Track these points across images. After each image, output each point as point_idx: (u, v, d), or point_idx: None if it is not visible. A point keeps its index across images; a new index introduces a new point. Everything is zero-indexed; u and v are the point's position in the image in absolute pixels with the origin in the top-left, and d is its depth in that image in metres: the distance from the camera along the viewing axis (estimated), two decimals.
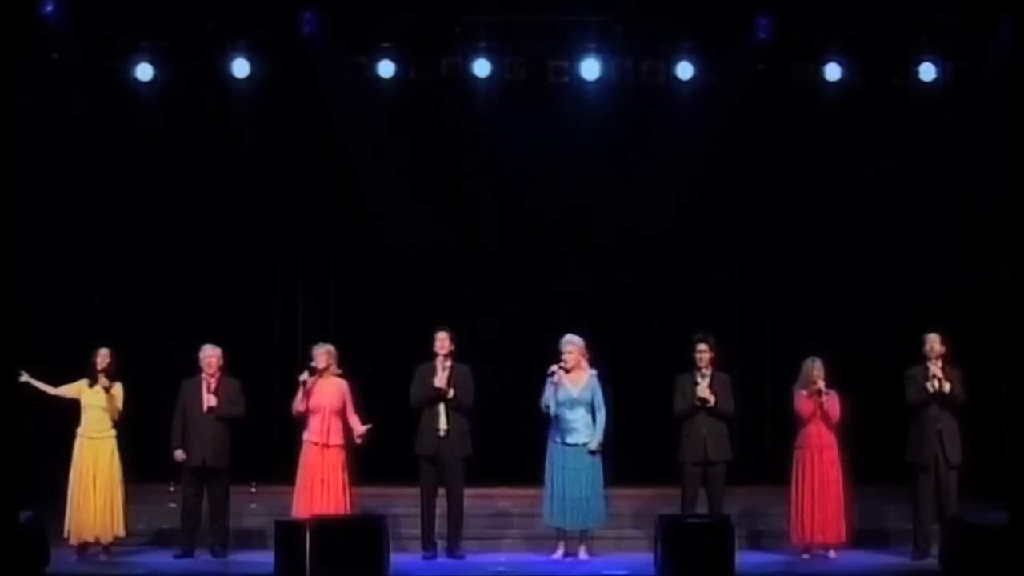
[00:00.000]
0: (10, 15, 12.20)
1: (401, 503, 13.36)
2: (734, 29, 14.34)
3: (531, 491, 13.34)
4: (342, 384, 12.98)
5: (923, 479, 12.81)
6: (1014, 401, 12.90)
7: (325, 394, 12.87)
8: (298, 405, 12.86)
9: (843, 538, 12.91)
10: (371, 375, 13.77)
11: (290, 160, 15.12)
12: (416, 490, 13.08)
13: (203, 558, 12.93)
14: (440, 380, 12.89)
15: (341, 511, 12.64)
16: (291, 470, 12.93)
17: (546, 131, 14.90)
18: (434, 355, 12.98)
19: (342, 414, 12.90)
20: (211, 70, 14.42)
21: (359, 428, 12.88)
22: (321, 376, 12.89)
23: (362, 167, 15.08)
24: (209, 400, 12.94)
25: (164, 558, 12.98)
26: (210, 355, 13.03)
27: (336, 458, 12.82)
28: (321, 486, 12.73)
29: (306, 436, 12.88)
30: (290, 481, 12.92)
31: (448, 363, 12.95)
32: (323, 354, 12.95)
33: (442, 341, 12.97)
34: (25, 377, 12.67)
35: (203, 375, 13.03)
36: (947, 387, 12.74)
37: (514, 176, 15.19)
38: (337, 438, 12.85)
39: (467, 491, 13.11)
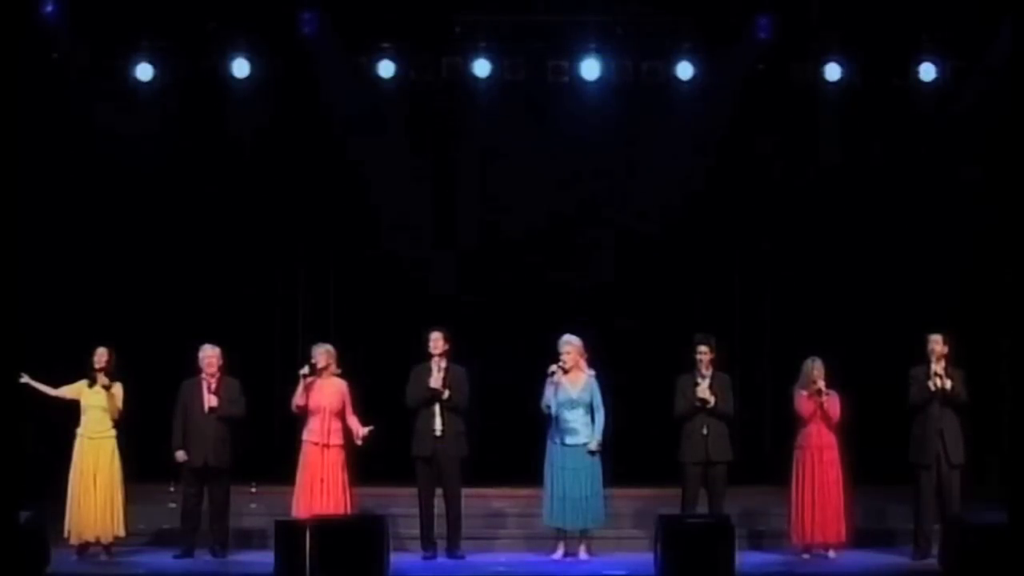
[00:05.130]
0: (10, 15, 12.23)
1: (400, 503, 13.35)
2: (734, 29, 14.35)
3: (531, 491, 13.34)
4: (342, 384, 12.97)
5: (925, 478, 12.80)
6: (1014, 401, 12.92)
7: (325, 394, 12.86)
8: (297, 400, 12.84)
9: (843, 538, 12.90)
10: (371, 375, 13.76)
11: (290, 160, 15.12)
12: (413, 490, 13.06)
13: (203, 558, 12.92)
14: (436, 381, 12.88)
15: (341, 511, 12.63)
16: (291, 470, 12.92)
17: (546, 131, 14.91)
18: (429, 355, 12.98)
19: (342, 414, 12.89)
20: (211, 70, 14.41)
21: (360, 430, 12.87)
22: (320, 376, 12.89)
23: (362, 167, 15.07)
24: (210, 400, 12.93)
25: (164, 558, 12.97)
26: (210, 355, 13.01)
27: (336, 458, 12.81)
28: (321, 486, 12.72)
29: (306, 436, 12.87)
30: (290, 481, 12.91)
31: (443, 363, 12.95)
32: (323, 354, 12.93)
33: (436, 341, 12.95)
34: (25, 379, 12.66)
35: (203, 375, 13.02)
36: (948, 385, 12.74)
37: (514, 176, 15.18)
38: (337, 438, 12.84)
39: (467, 491, 13.10)
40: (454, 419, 12.93)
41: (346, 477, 12.83)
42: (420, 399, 12.92)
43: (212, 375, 12.99)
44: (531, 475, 13.16)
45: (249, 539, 13.44)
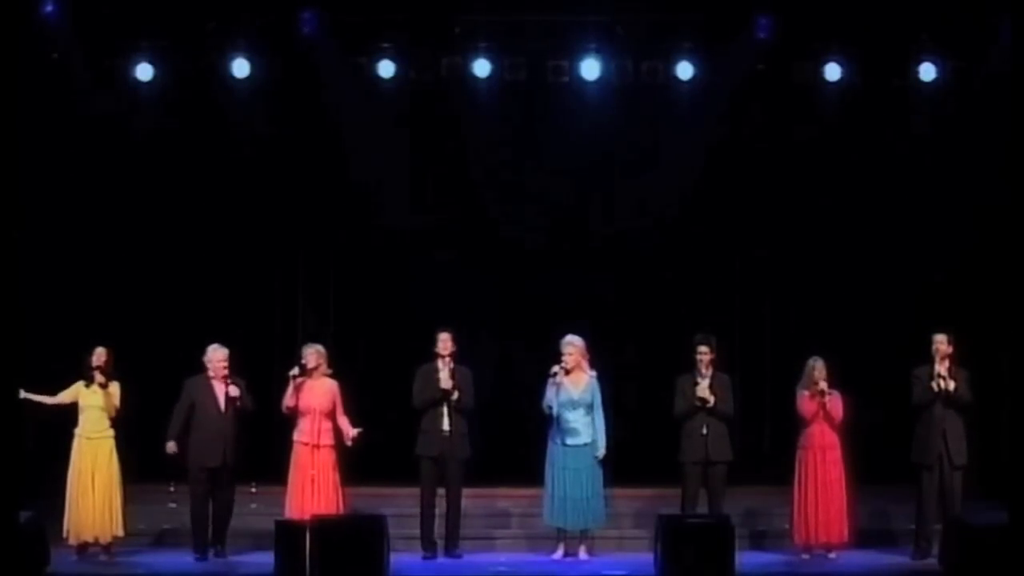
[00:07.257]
0: (10, 15, 12.22)
1: (393, 503, 13.32)
2: (734, 29, 14.35)
3: (531, 491, 13.34)
4: (333, 385, 12.92)
5: (927, 479, 12.79)
6: (1014, 401, 12.91)
7: (316, 395, 12.82)
8: (288, 401, 12.82)
9: (846, 538, 12.88)
10: (370, 375, 13.76)
11: (290, 160, 15.11)
12: (409, 490, 13.06)
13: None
14: (446, 381, 12.87)
15: (333, 511, 12.59)
16: (288, 471, 12.90)
17: (546, 131, 14.91)
18: (435, 356, 12.96)
19: (332, 415, 12.85)
20: (211, 70, 14.41)
21: (349, 431, 12.83)
22: (311, 376, 12.85)
23: (362, 167, 15.07)
24: (231, 391, 12.80)
25: (164, 558, 12.97)
26: (220, 357, 12.92)
27: (327, 458, 12.76)
28: (312, 486, 12.67)
29: (296, 437, 12.84)
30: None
31: (451, 364, 12.94)
32: (313, 354, 12.88)
33: (444, 342, 12.95)
34: (24, 394, 12.58)
35: (212, 375, 12.96)
36: (951, 386, 12.73)
37: (514, 176, 15.18)
38: (327, 439, 12.79)
39: (467, 491, 13.11)
40: (460, 420, 12.93)
41: (337, 477, 12.80)
42: (429, 399, 12.91)
43: (223, 376, 12.95)
44: (531, 475, 13.17)
45: (249, 539, 13.41)
